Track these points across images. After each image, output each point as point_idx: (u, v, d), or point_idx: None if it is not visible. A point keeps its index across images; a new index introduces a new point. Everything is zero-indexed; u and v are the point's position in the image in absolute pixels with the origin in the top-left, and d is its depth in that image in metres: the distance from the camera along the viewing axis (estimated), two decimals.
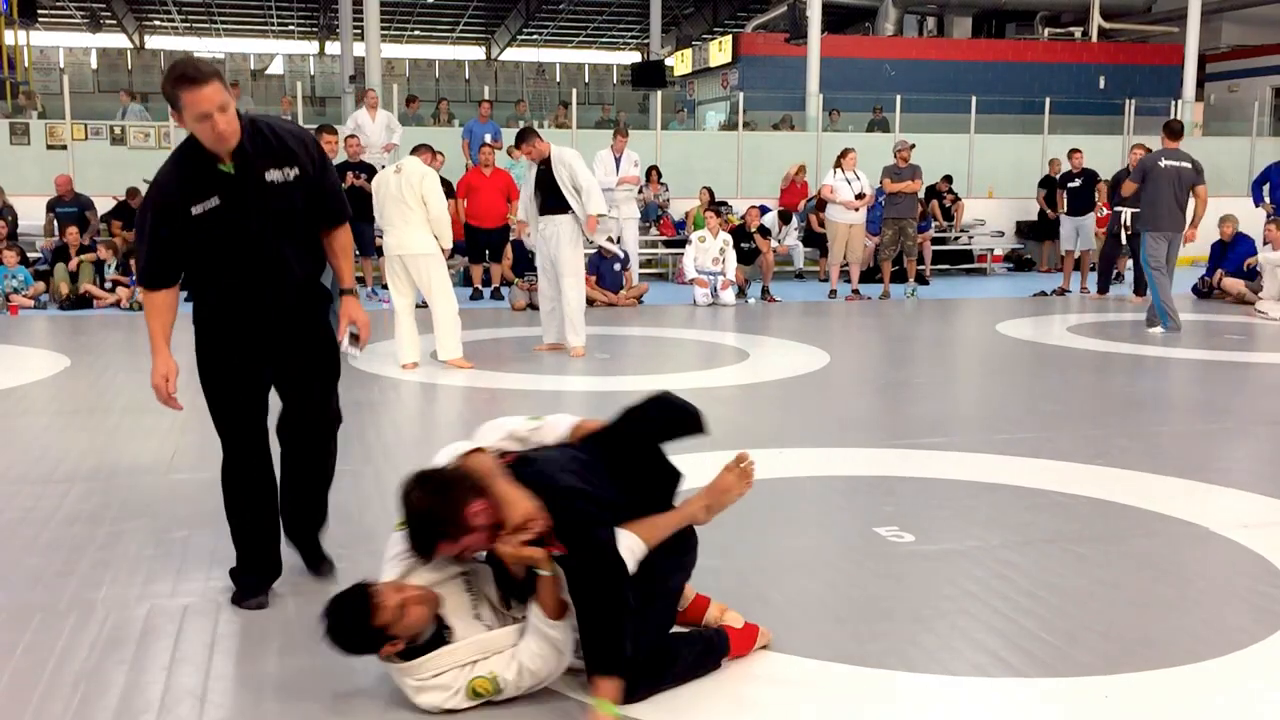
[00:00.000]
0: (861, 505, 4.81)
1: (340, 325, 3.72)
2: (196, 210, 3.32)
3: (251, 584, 3.66)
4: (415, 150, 8.53)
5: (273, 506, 3.71)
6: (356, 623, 2.85)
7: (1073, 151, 13.75)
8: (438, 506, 2.87)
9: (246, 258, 3.44)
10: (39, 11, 22.30)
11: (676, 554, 3.12)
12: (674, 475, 3.22)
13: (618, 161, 12.69)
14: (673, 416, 3.18)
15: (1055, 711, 2.98)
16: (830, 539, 4.39)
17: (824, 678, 3.15)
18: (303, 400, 3.66)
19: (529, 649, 2.91)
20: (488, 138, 13.32)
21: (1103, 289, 12.90)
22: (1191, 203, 10.16)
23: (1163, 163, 10.07)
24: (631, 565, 2.88)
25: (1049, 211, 15.03)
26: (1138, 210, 10.82)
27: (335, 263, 3.73)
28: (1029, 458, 5.53)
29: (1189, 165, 10.10)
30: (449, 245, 8.10)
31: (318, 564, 3.87)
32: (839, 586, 3.88)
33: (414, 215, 7.84)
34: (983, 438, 6.03)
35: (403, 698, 2.97)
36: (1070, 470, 5.32)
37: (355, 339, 3.71)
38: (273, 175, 3.41)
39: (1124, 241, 12.23)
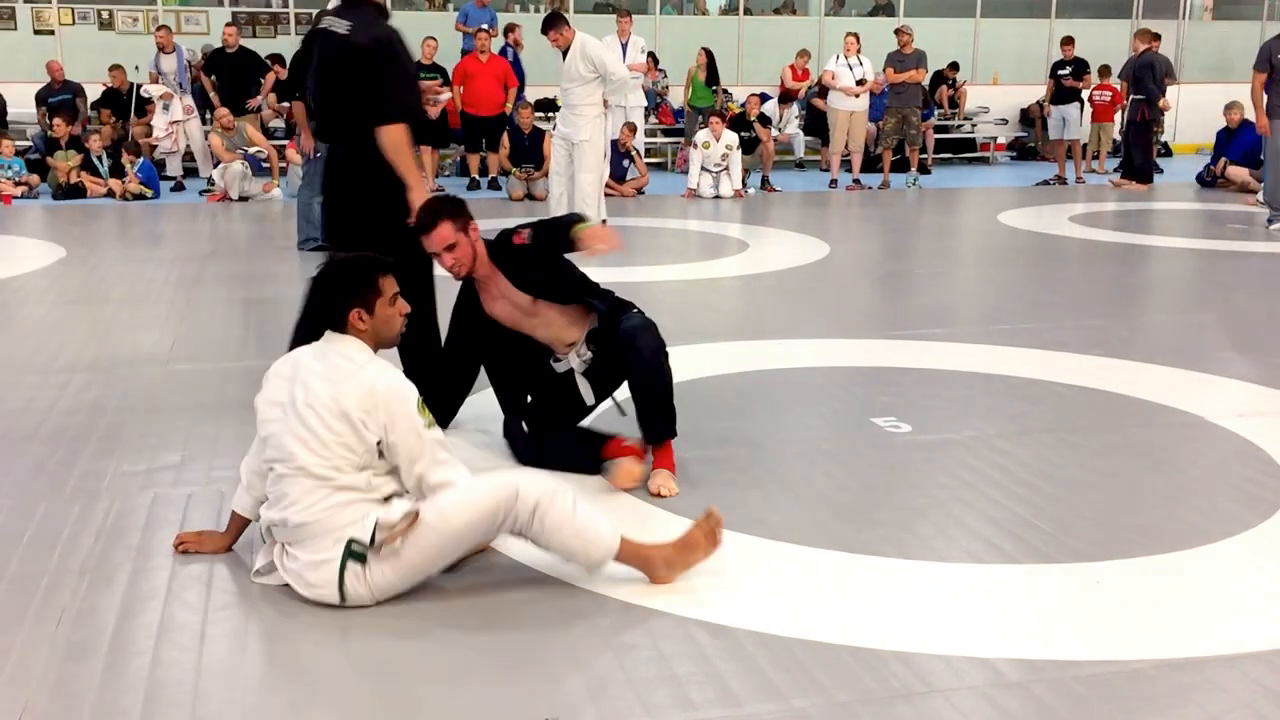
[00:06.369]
0: (859, 396, 4.83)
1: None
2: None
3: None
4: None
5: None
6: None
7: (1064, 41, 13.62)
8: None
9: None
10: None
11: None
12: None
13: (624, 48, 12.38)
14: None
15: (1047, 597, 3.03)
16: (827, 429, 4.42)
17: (819, 565, 3.19)
18: None
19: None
20: (484, 25, 13.03)
21: (1146, 179, 12.80)
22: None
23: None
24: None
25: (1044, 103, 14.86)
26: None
27: None
28: (1027, 348, 5.54)
29: None
30: None
31: None
32: (835, 476, 3.92)
33: None
34: (981, 328, 6.03)
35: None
36: (1068, 361, 5.33)
37: None
38: None
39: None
